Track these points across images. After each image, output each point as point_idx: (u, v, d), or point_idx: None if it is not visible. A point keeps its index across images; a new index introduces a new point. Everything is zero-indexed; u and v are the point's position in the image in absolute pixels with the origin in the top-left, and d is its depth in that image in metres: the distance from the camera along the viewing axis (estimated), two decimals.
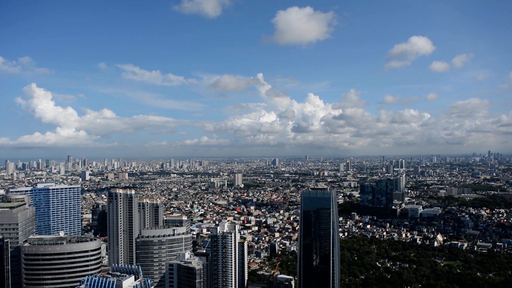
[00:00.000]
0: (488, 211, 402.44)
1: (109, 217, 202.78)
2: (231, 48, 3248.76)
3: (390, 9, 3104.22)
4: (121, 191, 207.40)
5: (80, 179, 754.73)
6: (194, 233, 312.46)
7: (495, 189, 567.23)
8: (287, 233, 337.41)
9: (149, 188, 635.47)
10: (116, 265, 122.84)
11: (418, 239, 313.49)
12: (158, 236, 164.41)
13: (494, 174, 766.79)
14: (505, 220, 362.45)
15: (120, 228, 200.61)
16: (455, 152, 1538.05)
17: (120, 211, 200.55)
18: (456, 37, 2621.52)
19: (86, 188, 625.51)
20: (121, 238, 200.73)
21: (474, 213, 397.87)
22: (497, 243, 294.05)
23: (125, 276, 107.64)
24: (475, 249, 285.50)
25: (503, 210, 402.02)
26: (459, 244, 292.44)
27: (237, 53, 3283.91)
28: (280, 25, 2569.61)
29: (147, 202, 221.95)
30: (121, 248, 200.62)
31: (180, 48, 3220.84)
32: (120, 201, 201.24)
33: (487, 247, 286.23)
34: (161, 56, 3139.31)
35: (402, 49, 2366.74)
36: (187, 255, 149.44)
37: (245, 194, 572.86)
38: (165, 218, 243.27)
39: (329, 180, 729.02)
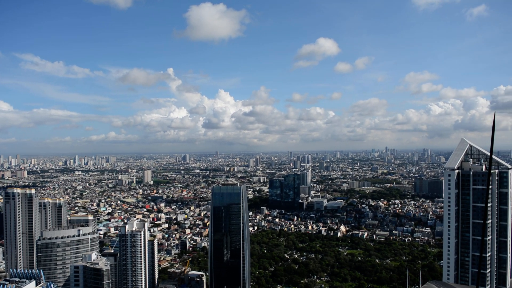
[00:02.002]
0: (385, 202, 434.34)
1: (6, 219, 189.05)
2: (141, 41, 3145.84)
3: (300, 11, 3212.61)
4: (19, 190, 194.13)
5: None
6: (101, 232, 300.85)
7: (391, 182, 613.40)
8: (198, 229, 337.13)
9: (52, 187, 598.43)
10: (15, 270, 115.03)
11: (323, 230, 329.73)
12: (62, 238, 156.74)
13: (390, 168, 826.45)
14: (400, 210, 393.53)
15: (19, 231, 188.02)
16: (357, 148, 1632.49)
17: (18, 212, 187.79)
18: (359, 40, 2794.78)
19: None
20: (19, 241, 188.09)
21: (373, 204, 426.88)
22: (393, 231, 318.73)
23: (25, 281, 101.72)
24: (374, 237, 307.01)
25: (398, 201, 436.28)
26: (360, 234, 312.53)
27: (147, 46, 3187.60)
28: (192, 20, 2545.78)
29: (49, 202, 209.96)
30: (20, 252, 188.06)
31: (86, 39, 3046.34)
32: (18, 201, 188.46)
33: (384, 236, 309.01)
34: (64, 47, 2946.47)
35: (310, 49, 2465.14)
36: (93, 256, 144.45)
37: (155, 191, 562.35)
38: (69, 218, 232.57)
39: (239, 175, 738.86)
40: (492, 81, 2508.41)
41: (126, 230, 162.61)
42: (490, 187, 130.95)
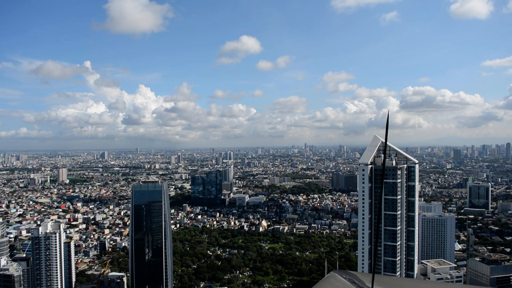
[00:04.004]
0: (304, 197, 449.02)
1: None
2: (56, 32, 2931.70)
3: (223, 8, 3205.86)
4: None
5: None
6: (11, 236, 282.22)
7: (310, 177, 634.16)
8: (118, 229, 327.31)
9: None
10: None
11: (245, 226, 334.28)
12: None
13: (309, 164, 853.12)
14: (318, 204, 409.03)
15: None
16: (277, 144, 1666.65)
17: None
18: (281, 40, 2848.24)
19: None
20: None
21: (293, 199, 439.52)
22: (312, 225, 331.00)
23: None
24: (294, 231, 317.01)
25: (316, 196, 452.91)
26: (281, 228, 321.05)
27: (63, 38, 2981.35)
28: (112, 12, 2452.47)
29: None
30: None
31: None
32: None
33: (304, 229, 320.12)
34: None
35: (233, 46, 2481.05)
36: (3, 261, 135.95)
37: (71, 190, 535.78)
38: None
39: (160, 173, 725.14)
40: (401, 82, 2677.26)
41: (40, 233, 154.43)
42: (399, 180, 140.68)
